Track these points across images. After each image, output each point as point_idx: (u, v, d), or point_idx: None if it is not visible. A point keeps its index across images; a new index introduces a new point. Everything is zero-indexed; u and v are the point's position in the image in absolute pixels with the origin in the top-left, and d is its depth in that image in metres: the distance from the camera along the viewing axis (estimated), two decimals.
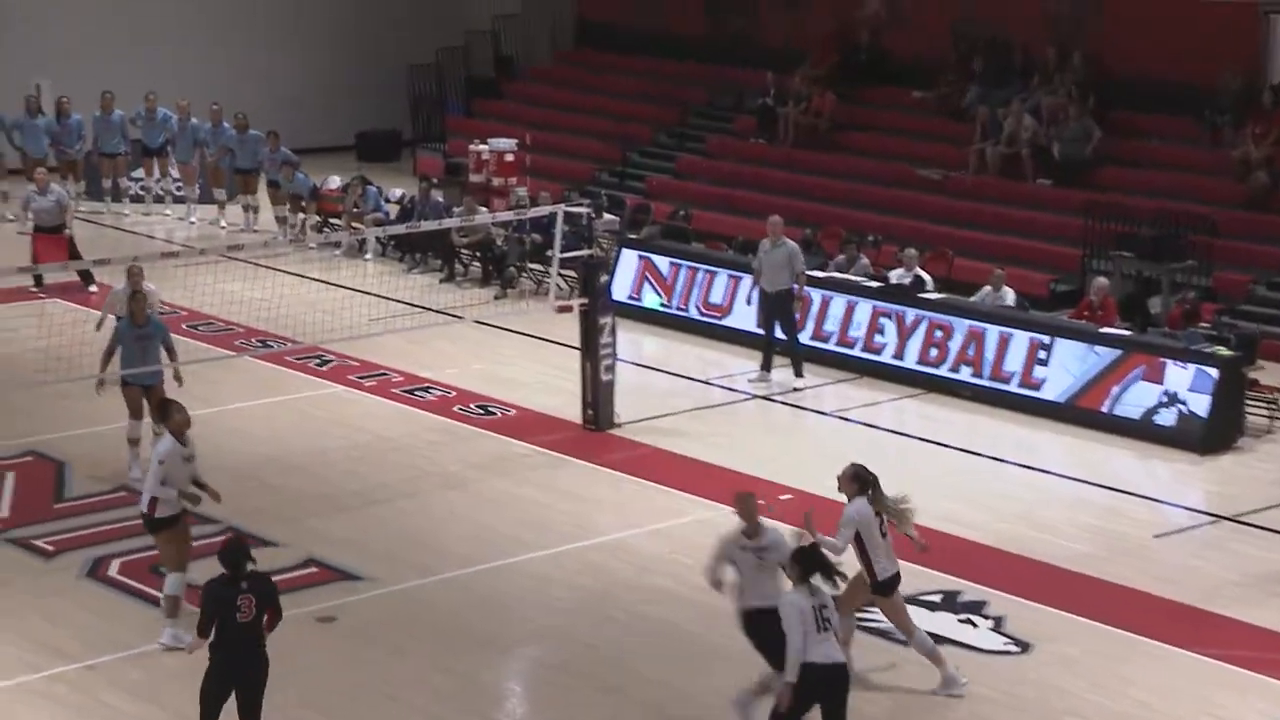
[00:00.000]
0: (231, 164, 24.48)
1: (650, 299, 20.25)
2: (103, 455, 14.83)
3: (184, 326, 18.96)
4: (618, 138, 26.01)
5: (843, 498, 11.05)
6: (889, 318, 18.09)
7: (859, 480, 10.99)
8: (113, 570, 12.78)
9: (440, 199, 22.85)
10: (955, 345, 17.56)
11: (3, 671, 11.21)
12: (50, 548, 13.22)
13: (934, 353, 17.71)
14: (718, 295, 19.69)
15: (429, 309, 20.18)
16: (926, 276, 18.76)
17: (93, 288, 20.29)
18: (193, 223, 24.73)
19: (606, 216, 22.29)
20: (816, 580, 9.78)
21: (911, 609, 11.41)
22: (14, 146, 24.35)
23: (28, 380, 16.32)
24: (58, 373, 16.74)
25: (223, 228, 24.43)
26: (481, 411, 16.78)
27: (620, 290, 19.64)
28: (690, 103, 26.69)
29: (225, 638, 9.67)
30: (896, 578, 11.10)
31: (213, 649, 9.72)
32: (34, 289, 20.00)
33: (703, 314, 19.76)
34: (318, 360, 18.16)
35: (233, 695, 9.75)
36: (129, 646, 11.61)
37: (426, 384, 17.61)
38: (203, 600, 9.82)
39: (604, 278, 16.53)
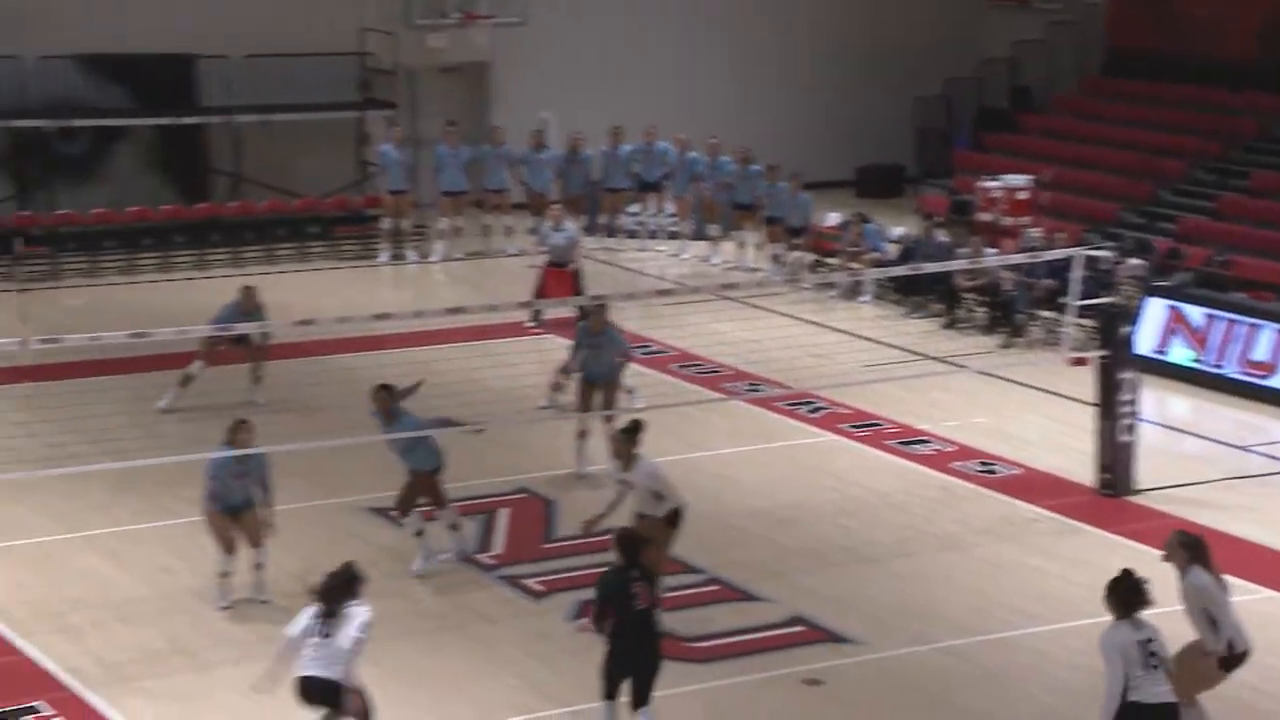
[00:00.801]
0: (729, 199, 24.24)
1: (1179, 353, 18.70)
2: (592, 496, 14.56)
3: (673, 367, 18.69)
4: (1148, 174, 24.37)
5: None
6: None
7: (1187, 548, 10.02)
8: None
9: (944, 239, 21.91)
10: None
11: (492, 710, 11.09)
12: (540, 588, 13.04)
13: None
14: (1262, 351, 17.96)
15: (927, 356, 19.32)
16: None
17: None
18: (685, 259, 24.62)
19: (1131, 261, 20.74)
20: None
21: None
22: (519, 181, 24.83)
23: (522, 416, 16.37)
24: (550, 409, 16.76)
25: (715, 265, 24.22)
26: (983, 469, 15.75)
27: (1144, 343, 18.23)
28: (1236, 135, 24.76)
29: (623, 625, 10.02)
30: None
31: (612, 637, 10.06)
32: (530, 324, 20.14)
33: (1243, 372, 18.09)
34: (808, 407, 17.52)
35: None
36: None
37: (923, 436, 16.70)
38: (598, 589, 10.21)
39: (1127, 328, 15.22)
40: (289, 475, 13.48)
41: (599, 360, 15.40)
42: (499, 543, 13.89)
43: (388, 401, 13.11)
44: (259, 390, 16.80)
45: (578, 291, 19.88)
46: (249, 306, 16.48)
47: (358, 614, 9.82)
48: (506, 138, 24.78)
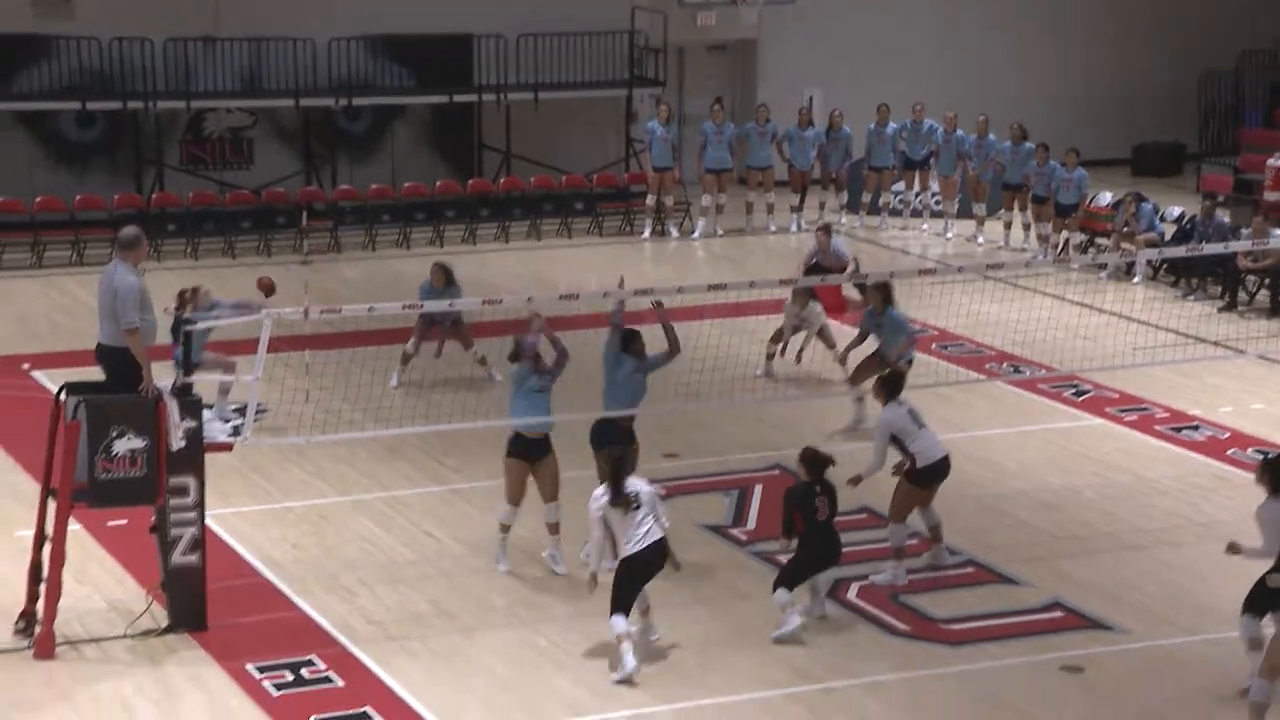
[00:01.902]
0: (997, 178, 23.81)
1: None
2: (845, 474, 14.50)
3: (934, 347, 18.47)
4: None
5: None
6: None
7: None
8: (851, 594, 12.42)
9: (1225, 219, 21.14)
10: None
11: (743, 683, 11.15)
12: None
13: None
14: None
15: (1204, 340, 18.73)
16: None
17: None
18: (948, 238, 24.27)
19: None
20: None
21: None
22: (782, 158, 24.78)
23: (778, 394, 16.39)
24: (807, 388, 16.73)
25: (980, 245, 23.82)
26: (1261, 458, 15.17)
27: None
28: None
29: (807, 533, 11.66)
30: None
31: (800, 543, 11.73)
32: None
33: None
34: (1073, 390, 17.13)
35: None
36: (862, 675, 11.26)
37: (1196, 422, 16.18)
38: (786, 500, 11.80)
39: None
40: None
41: (885, 342, 15.53)
42: (752, 519, 13.91)
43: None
44: (486, 368, 16.94)
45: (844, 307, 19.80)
46: (439, 284, 16.70)
47: (642, 486, 11.29)
48: (772, 115, 24.75)
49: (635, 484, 11.29)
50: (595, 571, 11.31)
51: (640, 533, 11.14)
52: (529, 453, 12.57)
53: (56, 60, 23.20)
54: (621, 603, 11.13)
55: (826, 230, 19.14)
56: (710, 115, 24.58)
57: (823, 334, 17.28)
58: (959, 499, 13.32)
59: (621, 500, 11.17)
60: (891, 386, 12.83)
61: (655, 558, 11.23)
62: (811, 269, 19.23)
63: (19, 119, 23.47)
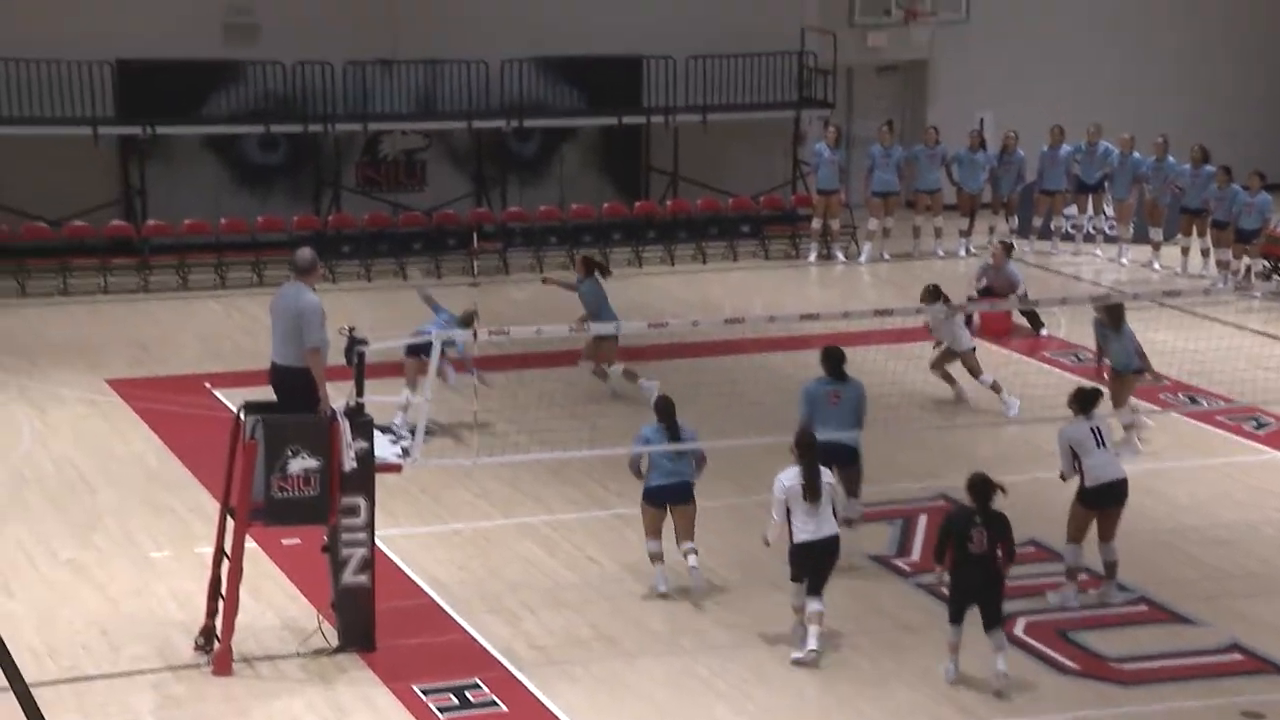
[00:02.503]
0: (1175, 202, 23.32)
1: None
2: (1008, 505, 14.31)
3: (1107, 376, 18.09)
4: None
5: None
6: None
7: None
8: (1018, 629, 12.24)
9: None
10: None
11: (905, 718, 11.09)
12: None
13: None
14: None
15: None
16: None
17: (1043, 331, 19.96)
18: (1124, 264, 23.83)
19: None
20: None
21: None
22: (951, 181, 24.55)
23: (946, 421, 16.25)
24: (972, 415, 16.56)
25: (1156, 271, 23.35)
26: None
27: None
28: None
29: (958, 563, 11.23)
30: None
31: (950, 572, 11.30)
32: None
33: None
34: (1254, 423, 16.72)
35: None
36: (1030, 713, 11.11)
37: None
38: (942, 524, 11.47)
39: None
40: (713, 474, 13.68)
41: (1125, 352, 15.66)
42: (917, 549, 13.79)
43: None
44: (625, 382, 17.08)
45: (1027, 314, 19.59)
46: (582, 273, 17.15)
47: (827, 477, 11.83)
48: (942, 138, 24.54)
49: (824, 474, 11.75)
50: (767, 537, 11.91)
51: (816, 523, 11.63)
52: (668, 499, 12.72)
53: (242, 85, 23.79)
54: (796, 576, 11.75)
55: (1006, 248, 18.91)
56: (878, 137, 24.44)
57: (966, 359, 17.04)
58: (1131, 533, 13.06)
59: (813, 492, 11.59)
60: (1084, 400, 12.75)
61: (832, 549, 11.72)
62: (982, 291, 19.08)
63: (207, 143, 24.10)
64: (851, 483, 13.39)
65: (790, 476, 11.76)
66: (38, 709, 11.02)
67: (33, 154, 22.86)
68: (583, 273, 17.74)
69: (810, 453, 11.82)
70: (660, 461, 12.72)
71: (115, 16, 23.12)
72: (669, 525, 12.79)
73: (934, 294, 16.78)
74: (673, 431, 12.70)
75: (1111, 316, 15.70)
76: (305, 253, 11.96)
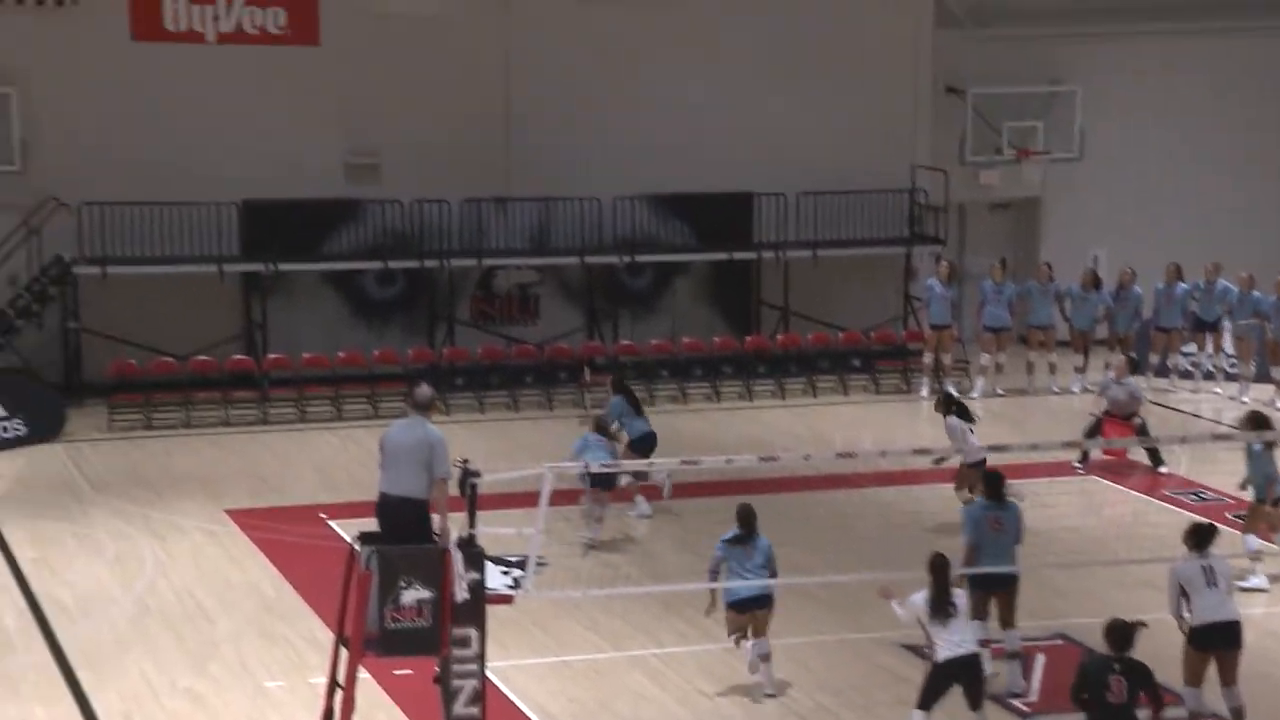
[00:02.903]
0: None
1: None
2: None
3: (1228, 515, 17.85)
4: None
5: None
6: None
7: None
8: None
9: None
10: None
11: None
12: None
13: None
14: None
15: None
16: None
17: (1163, 468, 19.76)
18: (1245, 402, 23.50)
19: None
20: None
21: None
22: (1064, 318, 24.46)
23: (1063, 559, 16.07)
24: (1090, 554, 16.34)
25: (1279, 409, 23.02)
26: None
27: None
28: None
29: (1097, 714, 10.80)
30: None
31: None
32: (1076, 465, 19.76)
33: None
34: None
35: None
36: None
37: None
38: (1078, 673, 11.06)
39: None
40: (821, 606, 13.67)
41: (1261, 476, 15.70)
42: (1035, 690, 13.58)
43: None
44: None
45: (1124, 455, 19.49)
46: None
47: (961, 597, 12.05)
48: (1055, 274, 24.50)
49: (957, 594, 11.92)
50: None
51: (956, 639, 11.65)
52: (752, 607, 13.19)
53: (362, 223, 24.36)
54: (925, 701, 11.72)
55: (1130, 363, 18.79)
56: (990, 273, 24.45)
57: (964, 471, 16.97)
58: (1255, 678, 12.79)
59: (943, 610, 11.63)
60: (1199, 537, 12.53)
61: (969, 669, 11.72)
62: (1103, 414, 19.07)
63: (326, 279, 24.65)
64: (1009, 611, 13.38)
65: (923, 598, 11.86)
66: None
67: (161, 292, 23.51)
68: (611, 390, 18.40)
69: (942, 575, 11.88)
70: (739, 572, 13.12)
71: (243, 161, 23.83)
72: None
73: (947, 404, 16.86)
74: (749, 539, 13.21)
75: (1254, 425, 15.37)
76: (425, 390, 12.22)
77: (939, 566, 11.98)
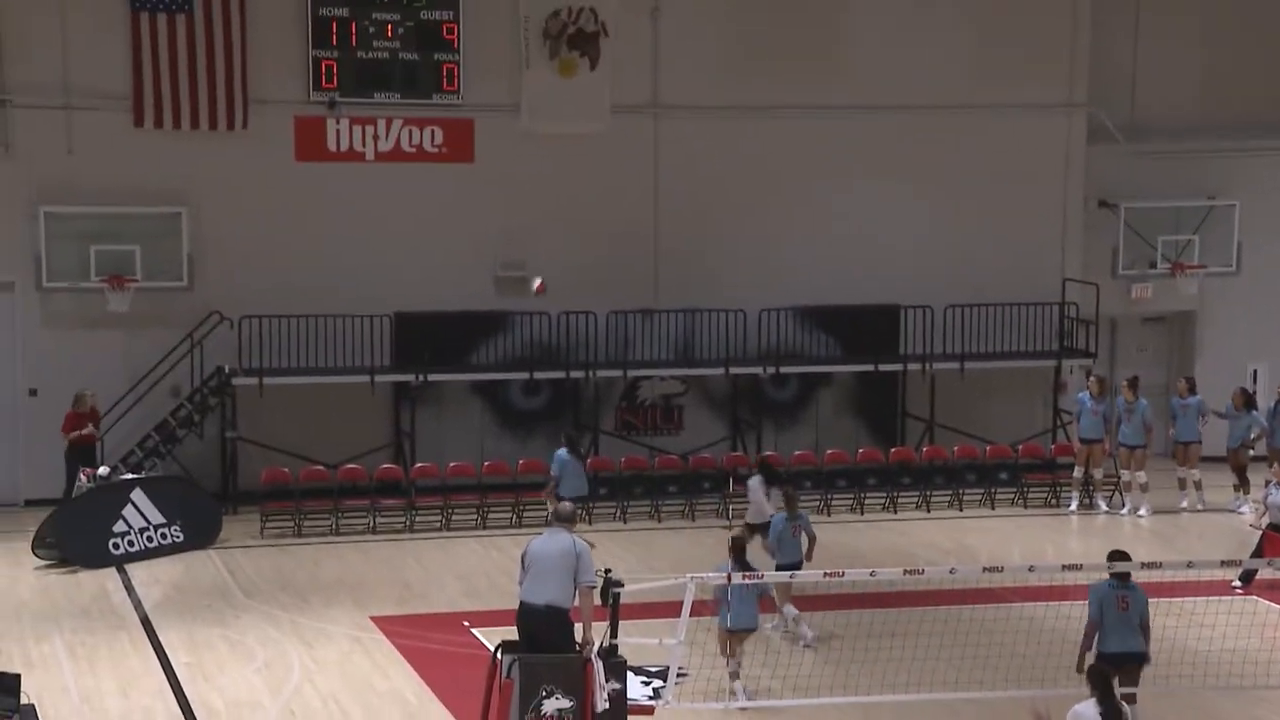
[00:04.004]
0: None
1: None
2: None
3: None
4: None
5: None
6: None
7: None
8: None
9: None
10: None
11: None
12: None
13: None
14: None
15: None
16: None
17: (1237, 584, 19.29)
18: None
19: None
20: None
21: None
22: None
23: (1219, 681, 15.69)
24: (1253, 677, 15.93)
25: None
26: None
27: None
28: None
29: None
30: None
31: None
32: (1237, 585, 19.29)
33: None
34: None
35: None
36: None
37: None
38: None
39: None
40: None
41: None
42: None
43: None
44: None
45: None
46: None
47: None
48: (1203, 390, 24.04)
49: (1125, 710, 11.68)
50: None
51: None
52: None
53: (510, 334, 24.70)
54: None
55: None
56: (1121, 392, 24.05)
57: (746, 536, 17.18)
58: None
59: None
60: None
61: None
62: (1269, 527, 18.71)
63: (474, 389, 24.98)
64: (1131, 687, 13.31)
65: (1089, 710, 11.51)
66: None
67: (314, 402, 24.01)
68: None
69: (1107, 686, 11.62)
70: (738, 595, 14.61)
71: (396, 275, 24.36)
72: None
73: (763, 469, 17.93)
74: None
75: None
76: (568, 505, 12.44)
77: (1102, 677, 11.73)
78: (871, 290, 25.43)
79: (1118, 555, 14.11)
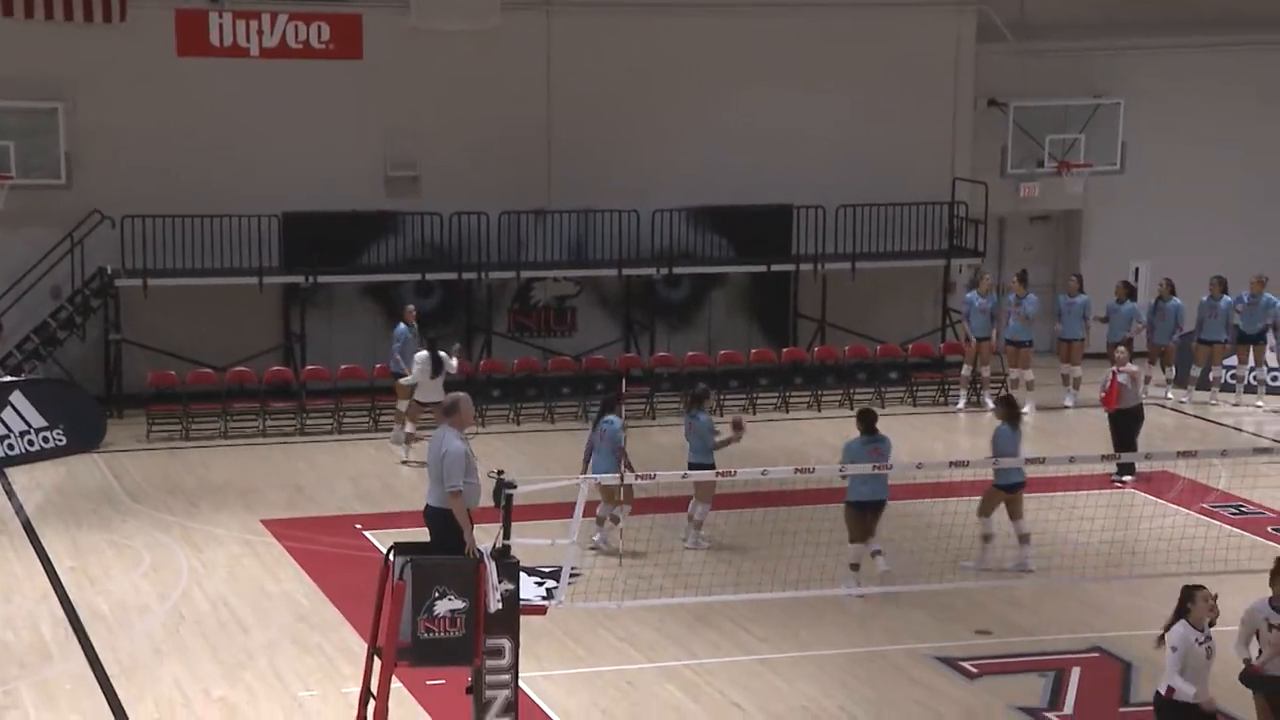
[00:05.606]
0: None
1: None
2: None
3: (1269, 529, 17.75)
4: None
5: None
6: None
7: None
8: None
9: None
10: None
11: None
12: None
13: None
14: None
15: None
16: None
17: (1127, 477, 19.65)
18: None
19: None
20: None
21: None
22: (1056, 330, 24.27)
23: (1099, 573, 15.99)
24: (1130, 567, 16.23)
25: None
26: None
27: None
28: None
29: None
30: None
31: None
32: (1116, 479, 19.64)
33: None
34: None
35: None
36: None
37: None
38: None
39: None
40: (851, 617, 13.58)
41: None
42: (1069, 703, 13.50)
43: None
44: None
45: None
46: None
47: None
48: (1087, 287, 24.33)
49: None
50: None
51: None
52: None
53: (401, 235, 24.46)
54: None
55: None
56: (1010, 287, 24.31)
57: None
58: None
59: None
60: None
61: None
62: None
63: (365, 290, 24.73)
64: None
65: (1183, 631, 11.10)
66: None
67: (201, 303, 23.65)
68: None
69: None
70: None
71: (284, 175, 23.97)
72: None
73: (1008, 407, 17.07)
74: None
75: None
76: (448, 396, 12.28)
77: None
78: (765, 190, 25.42)
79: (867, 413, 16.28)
